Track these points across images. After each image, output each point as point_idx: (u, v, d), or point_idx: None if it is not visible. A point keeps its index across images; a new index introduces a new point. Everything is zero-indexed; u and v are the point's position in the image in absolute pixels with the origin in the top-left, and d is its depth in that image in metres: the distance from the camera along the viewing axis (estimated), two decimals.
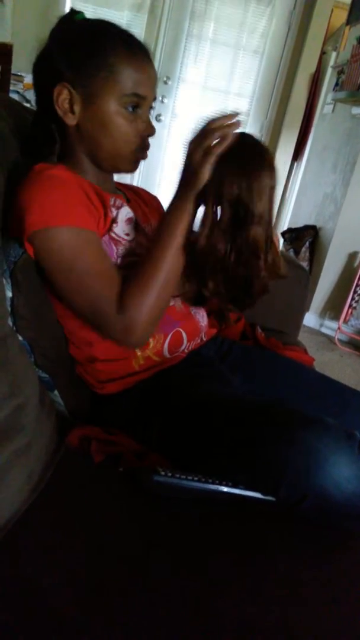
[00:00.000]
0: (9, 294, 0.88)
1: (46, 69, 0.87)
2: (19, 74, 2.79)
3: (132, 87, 0.86)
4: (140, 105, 0.88)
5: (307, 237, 3.27)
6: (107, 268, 0.85)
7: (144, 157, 0.94)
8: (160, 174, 3.90)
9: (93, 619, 0.57)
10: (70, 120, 0.86)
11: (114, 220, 0.93)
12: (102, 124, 0.86)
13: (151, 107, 0.91)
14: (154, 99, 0.92)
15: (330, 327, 3.16)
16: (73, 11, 0.88)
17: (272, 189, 0.93)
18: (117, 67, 0.84)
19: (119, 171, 0.95)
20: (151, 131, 0.91)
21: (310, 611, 0.64)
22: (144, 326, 0.84)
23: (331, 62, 3.56)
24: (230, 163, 0.90)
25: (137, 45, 0.87)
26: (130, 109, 0.87)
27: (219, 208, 0.92)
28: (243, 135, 0.93)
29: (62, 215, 0.81)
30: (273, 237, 0.97)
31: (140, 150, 0.92)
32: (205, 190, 0.90)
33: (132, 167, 0.93)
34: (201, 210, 0.95)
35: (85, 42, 0.84)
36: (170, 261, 0.85)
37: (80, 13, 0.88)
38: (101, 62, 0.84)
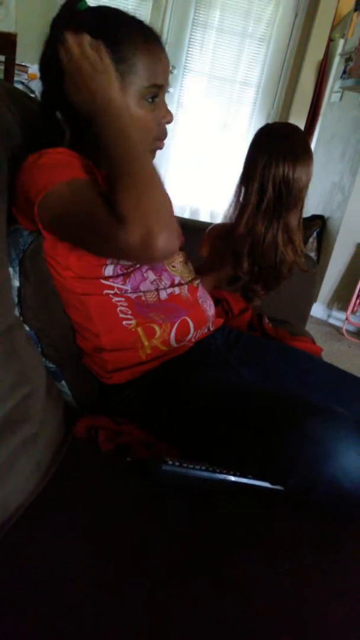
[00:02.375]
0: (17, 283, 0.88)
1: (56, 62, 0.82)
2: (23, 64, 2.78)
3: (151, 79, 0.85)
4: (158, 94, 0.88)
5: (315, 227, 3.24)
6: (104, 199, 0.77)
7: (161, 146, 0.93)
8: (167, 163, 3.89)
9: (97, 607, 0.57)
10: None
11: None
12: None
13: (167, 92, 0.91)
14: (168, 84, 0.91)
15: (338, 317, 3.14)
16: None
17: (309, 181, 1.02)
18: (135, 59, 0.83)
19: None
20: (170, 118, 0.90)
21: (318, 602, 0.64)
22: (156, 224, 0.71)
23: (339, 50, 3.52)
24: (281, 148, 0.99)
25: (150, 33, 0.86)
26: (150, 100, 0.87)
27: (260, 190, 1.01)
28: (293, 127, 1.04)
29: (56, 175, 0.79)
30: (301, 225, 1.07)
31: (159, 139, 0.91)
32: (251, 171, 0.99)
33: (151, 158, 0.92)
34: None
35: (99, 35, 0.81)
36: (135, 155, 0.77)
37: (82, 1, 0.84)
38: (119, 56, 0.82)
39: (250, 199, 1.02)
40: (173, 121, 0.93)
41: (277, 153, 1.00)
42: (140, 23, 0.86)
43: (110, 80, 0.78)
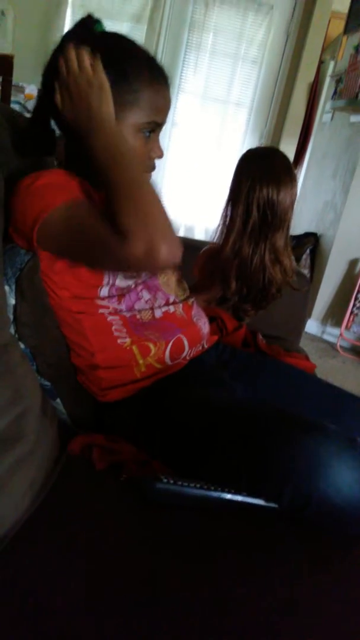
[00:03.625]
0: (12, 301, 0.88)
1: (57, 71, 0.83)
2: (20, 85, 2.82)
3: (152, 115, 0.87)
4: (155, 130, 0.90)
5: (308, 244, 3.27)
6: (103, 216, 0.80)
7: (149, 178, 0.94)
8: (161, 182, 3.92)
9: (93, 627, 0.57)
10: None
11: None
12: None
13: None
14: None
15: (332, 333, 3.16)
16: (92, 19, 0.86)
17: (293, 202, 1.05)
18: (141, 93, 0.85)
19: None
20: (160, 154, 0.93)
21: (312, 616, 0.63)
22: (156, 236, 0.73)
23: (329, 71, 3.59)
24: (264, 171, 1.02)
25: (159, 72, 0.88)
26: (147, 134, 0.89)
27: (245, 214, 1.03)
28: (275, 150, 1.07)
29: (55, 198, 0.80)
30: (289, 245, 1.09)
31: (147, 172, 0.93)
32: (236, 195, 1.01)
33: None
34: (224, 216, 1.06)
35: (110, 63, 0.82)
36: (131, 171, 0.79)
37: (99, 24, 0.86)
38: (126, 87, 0.83)
39: (235, 222, 1.05)
40: (168, 140, 0.95)
41: (260, 176, 1.02)
42: (151, 59, 0.88)
43: (104, 97, 0.80)
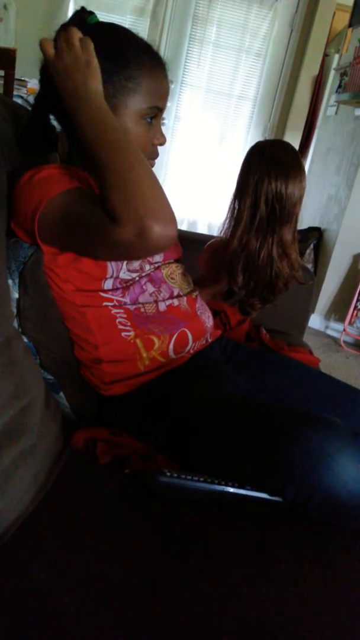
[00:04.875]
0: (15, 295, 0.88)
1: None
2: (22, 79, 2.81)
3: (153, 100, 0.87)
4: (157, 115, 0.90)
5: (312, 238, 3.26)
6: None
7: (152, 165, 0.94)
8: (164, 177, 3.91)
9: (96, 620, 0.57)
10: None
11: None
12: None
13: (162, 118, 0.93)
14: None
15: (335, 328, 3.15)
16: (85, 11, 0.86)
17: (302, 196, 1.04)
18: (141, 80, 0.85)
19: None
20: (163, 141, 0.92)
21: (315, 612, 0.63)
22: (148, 216, 0.70)
23: (334, 64, 3.56)
24: (272, 164, 1.01)
25: (157, 58, 0.88)
26: (149, 120, 0.89)
27: (253, 207, 1.03)
28: (283, 143, 1.05)
29: (51, 190, 0.79)
30: (296, 239, 1.08)
31: (150, 159, 0.93)
32: (243, 188, 1.00)
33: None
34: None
35: (109, 52, 0.82)
36: (117, 145, 0.76)
37: (92, 15, 0.85)
38: (126, 75, 0.84)
39: (243, 215, 1.04)
40: (171, 134, 0.94)
41: (269, 169, 1.01)
42: (148, 46, 0.88)
43: (91, 73, 0.78)
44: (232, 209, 1.09)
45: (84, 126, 0.76)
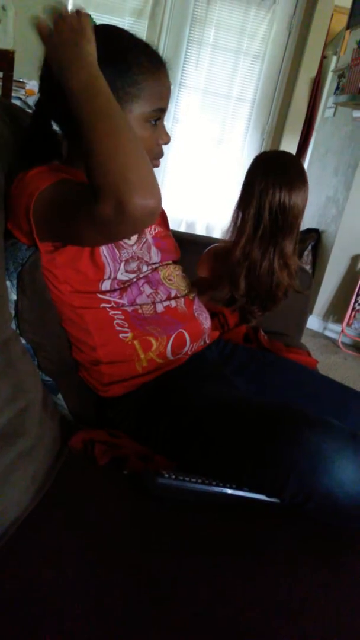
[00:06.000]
0: (14, 296, 0.88)
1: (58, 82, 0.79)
2: (21, 80, 2.81)
3: (157, 103, 0.87)
4: (161, 117, 0.90)
5: (310, 240, 3.27)
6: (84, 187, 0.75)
7: (158, 165, 0.94)
8: (163, 178, 3.92)
9: (95, 621, 0.57)
10: None
11: None
12: None
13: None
14: None
15: (333, 330, 3.15)
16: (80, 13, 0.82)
17: (304, 207, 1.06)
18: (144, 84, 0.84)
19: None
20: (167, 140, 0.92)
21: (314, 613, 0.63)
22: (125, 189, 0.67)
23: (332, 66, 3.58)
24: (277, 176, 1.03)
25: (157, 57, 0.88)
26: (153, 122, 0.88)
27: (256, 217, 1.05)
28: (288, 154, 1.07)
29: (42, 182, 0.79)
30: (296, 250, 1.10)
31: (155, 159, 0.93)
32: (247, 198, 1.01)
33: None
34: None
35: (109, 58, 0.80)
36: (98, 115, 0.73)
37: (90, 19, 0.81)
38: (129, 80, 0.83)
39: (246, 225, 1.06)
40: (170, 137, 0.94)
41: (273, 181, 1.03)
42: (147, 46, 0.87)
43: (87, 40, 0.75)
44: (235, 218, 1.10)
45: (73, 90, 0.72)
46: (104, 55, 0.78)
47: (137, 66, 0.84)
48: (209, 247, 1.23)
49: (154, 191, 0.69)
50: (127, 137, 0.70)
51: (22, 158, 0.92)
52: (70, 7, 0.80)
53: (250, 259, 1.06)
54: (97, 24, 0.85)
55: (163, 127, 0.92)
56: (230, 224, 1.11)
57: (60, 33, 0.76)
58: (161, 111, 0.89)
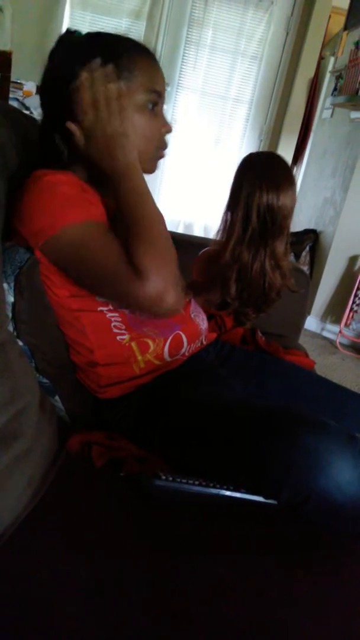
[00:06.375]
0: (11, 299, 0.88)
1: (58, 90, 0.83)
2: (18, 81, 2.81)
3: (151, 84, 0.87)
4: (158, 102, 0.89)
5: (308, 241, 3.27)
6: (118, 249, 0.80)
7: (163, 156, 0.94)
8: (161, 177, 3.92)
9: (94, 623, 0.57)
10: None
11: None
12: None
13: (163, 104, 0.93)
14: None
15: (331, 330, 3.16)
16: (70, 31, 0.87)
17: (293, 208, 1.05)
18: (135, 69, 0.85)
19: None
20: (169, 128, 0.92)
21: (312, 615, 0.63)
22: (170, 282, 0.77)
23: (329, 67, 3.58)
24: (264, 177, 1.02)
25: (144, 47, 0.89)
26: (151, 107, 0.88)
27: (245, 219, 1.02)
28: (274, 155, 1.06)
29: (66, 215, 0.80)
30: (288, 250, 1.09)
31: (161, 149, 0.93)
32: (235, 201, 1.00)
33: (154, 167, 0.94)
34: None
35: (101, 51, 0.83)
36: (155, 218, 0.83)
37: (77, 31, 0.87)
38: (122, 65, 0.83)
39: (235, 228, 1.05)
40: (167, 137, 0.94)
41: (260, 182, 1.02)
42: (133, 40, 0.89)
43: (130, 145, 0.81)
44: (224, 221, 1.10)
45: (123, 192, 0.81)
46: (96, 49, 0.82)
47: (127, 53, 0.84)
48: (201, 252, 1.23)
49: (183, 294, 0.82)
50: (170, 242, 0.82)
51: (27, 165, 0.91)
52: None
53: (240, 262, 1.05)
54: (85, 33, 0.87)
55: (163, 116, 0.91)
56: (220, 226, 1.11)
57: (103, 131, 0.80)
58: (157, 95, 0.88)
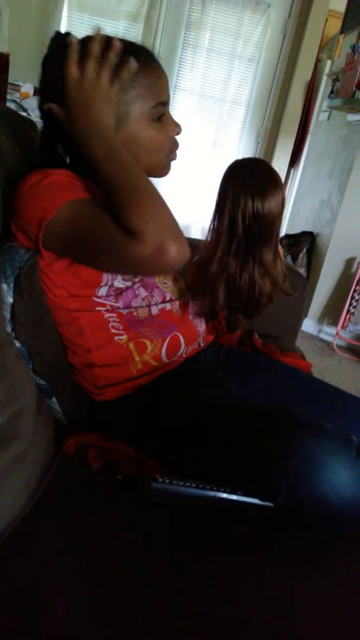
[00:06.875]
0: (10, 300, 0.88)
1: (56, 100, 0.82)
2: (16, 83, 2.81)
3: (156, 98, 0.86)
4: (165, 111, 0.89)
5: (305, 243, 3.28)
6: (111, 218, 0.78)
7: (175, 157, 0.94)
8: (158, 181, 3.91)
9: (91, 626, 0.56)
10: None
11: None
12: (136, 143, 0.86)
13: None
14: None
15: (328, 332, 3.16)
16: (60, 34, 0.84)
17: (281, 213, 1.02)
18: (137, 85, 0.84)
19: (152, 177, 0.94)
20: (179, 130, 0.92)
21: (310, 617, 0.63)
22: (166, 233, 0.74)
23: (326, 70, 3.59)
24: (247, 183, 1.00)
25: (145, 53, 0.87)
26: (158, 119, 0.88)
27: (230, 227, 1.01)
28: (258, 160, 1.05)
29: (58, 199, 0.79)
30: (279, 255, 1.06)
31: (172, 152, 0.93)
32: (221, 209, 0.98)
33: (167, 171, 0.94)
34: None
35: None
36: (132, 172, 0.80)
37: (69, 35, 0.83)
38: (125, 85, 0.82)
39: (221, 237, 1.02)
40: None
41: (245, 189, 0.99)
42: (132, 44, 0.87)
43: (109, 109, 0.79)
44: (210, 230, 1.08)
45: (98, 156, 0.79)
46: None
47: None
48: (194, 259, 1.22)
49: (187, 243, 0.77)
50: (158, 194, 0.78)
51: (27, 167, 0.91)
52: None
53: (228, 272, 1.02)
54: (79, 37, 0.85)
55: (170, 118, 0.91)
56: (208, 235, 1.09)
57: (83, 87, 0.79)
58: (162, 105, 0.88)
